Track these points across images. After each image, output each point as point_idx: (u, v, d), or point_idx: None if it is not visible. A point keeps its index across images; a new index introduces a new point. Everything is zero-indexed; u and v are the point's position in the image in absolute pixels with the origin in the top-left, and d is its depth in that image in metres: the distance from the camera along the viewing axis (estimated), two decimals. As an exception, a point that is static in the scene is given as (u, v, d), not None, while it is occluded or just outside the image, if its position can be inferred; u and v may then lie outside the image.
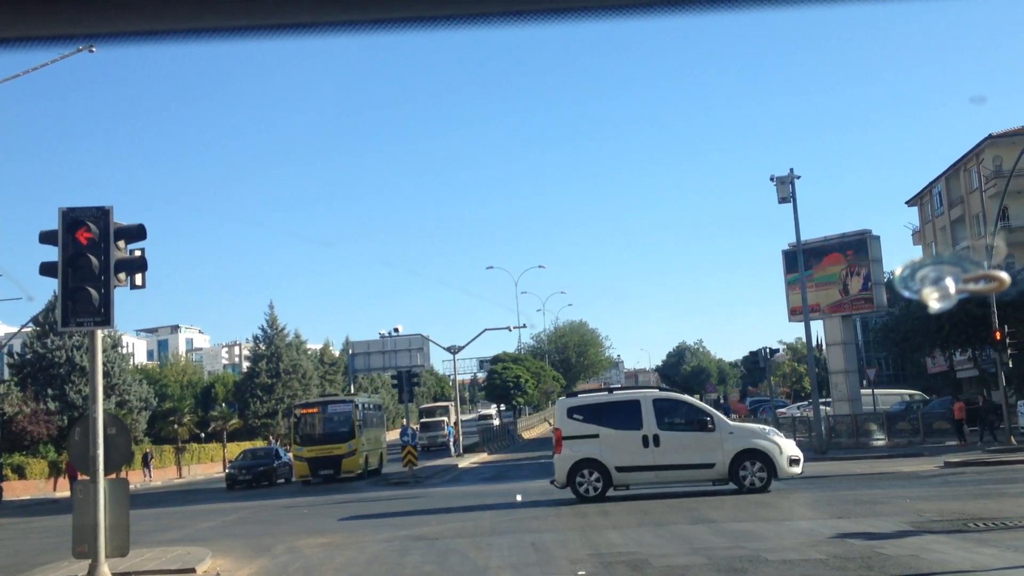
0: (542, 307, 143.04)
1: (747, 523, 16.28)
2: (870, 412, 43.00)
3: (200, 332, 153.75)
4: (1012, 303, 43.13)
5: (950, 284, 1.50)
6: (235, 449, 60.95)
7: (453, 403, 66.97)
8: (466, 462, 47.69)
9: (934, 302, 1.52)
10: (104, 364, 42.38)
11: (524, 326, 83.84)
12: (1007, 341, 31.04)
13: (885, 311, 49.48)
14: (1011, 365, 31.77)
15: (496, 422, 68.80)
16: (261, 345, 74.71)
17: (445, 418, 67.04)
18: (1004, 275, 1.52)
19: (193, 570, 14.75)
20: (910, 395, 51.80)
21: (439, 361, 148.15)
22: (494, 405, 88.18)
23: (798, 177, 37.60)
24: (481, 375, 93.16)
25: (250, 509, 28.34)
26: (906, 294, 1.54)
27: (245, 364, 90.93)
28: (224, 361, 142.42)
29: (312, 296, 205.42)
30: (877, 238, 45.09)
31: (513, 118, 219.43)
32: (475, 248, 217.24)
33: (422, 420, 67.88)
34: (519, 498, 24.16)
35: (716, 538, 14.67)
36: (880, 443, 38.14)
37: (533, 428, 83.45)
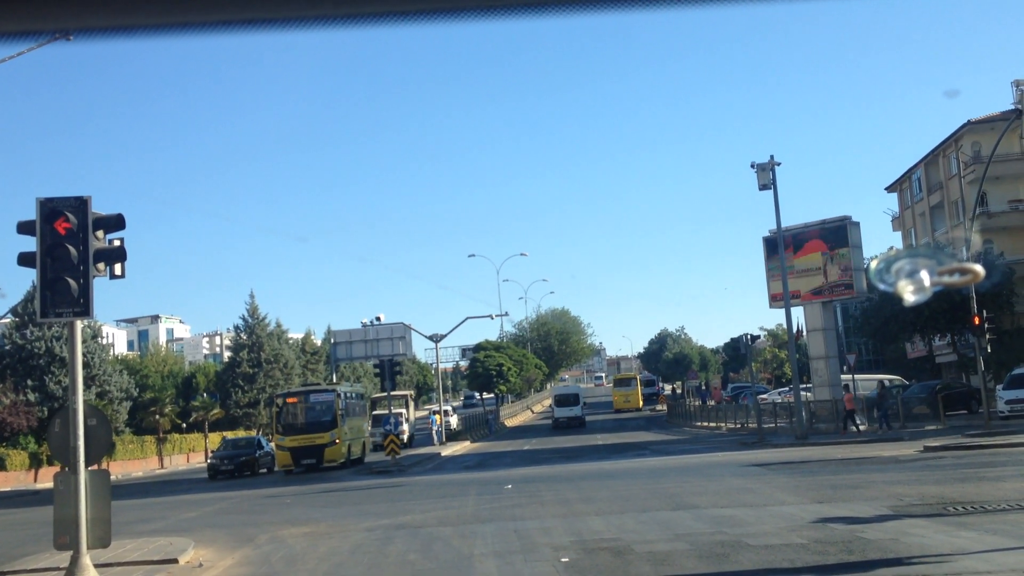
0: (524, 295, 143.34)
1: (729, 509, 16.38)
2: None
3: (181, 322, 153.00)
4: (990, 288, 43.53)
5: (925, 277, 1.51)
6: (217, 439, 60.78)
7: (410, 393, 64.70)
8: (449, 450, 47.76)
9: (909, 295, 1.53)
10: (84, 355, 42.23)
11: (506, 314, 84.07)
12: (985, 326, 31.27)
13: (865, 297, 49.76)
14: (989, 350, 32.00)
15: (453, 421, 61.82)
16: (242, 335, 74.38)
17: (403, 411, 57.15)
18: (978, 268, 1.53)
19: (175, 560, 14.72)
20: (890, 380, 52.14)
21: (422, 349, 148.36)
22: (451, 405, 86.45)
23: (778, 164, 37.70)
24: (463, 363, 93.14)
25: (232, 499, 28.29)
26: (881, 287, 1.56)
27: (226, 354, 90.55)
28: (205, 351, 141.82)
29: (293, 286, 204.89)
30: (857, 224, 45.29)
31: (494, 107, 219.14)
32: (457, 236, 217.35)
33: (374, 413, 54.53)
34: (508, 487, 24.21)
35: (698, 524, 14.76)
36: (861, 428, 38.37)
37: (516, 416, 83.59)
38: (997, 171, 47.06)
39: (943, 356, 56.58)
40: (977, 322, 31.31)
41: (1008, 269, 47.59)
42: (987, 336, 31.33)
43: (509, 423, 75.62)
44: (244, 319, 74.36)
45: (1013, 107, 49.40)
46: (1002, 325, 41.26)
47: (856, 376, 47.78)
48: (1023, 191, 54.20)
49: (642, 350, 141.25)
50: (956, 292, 40.16)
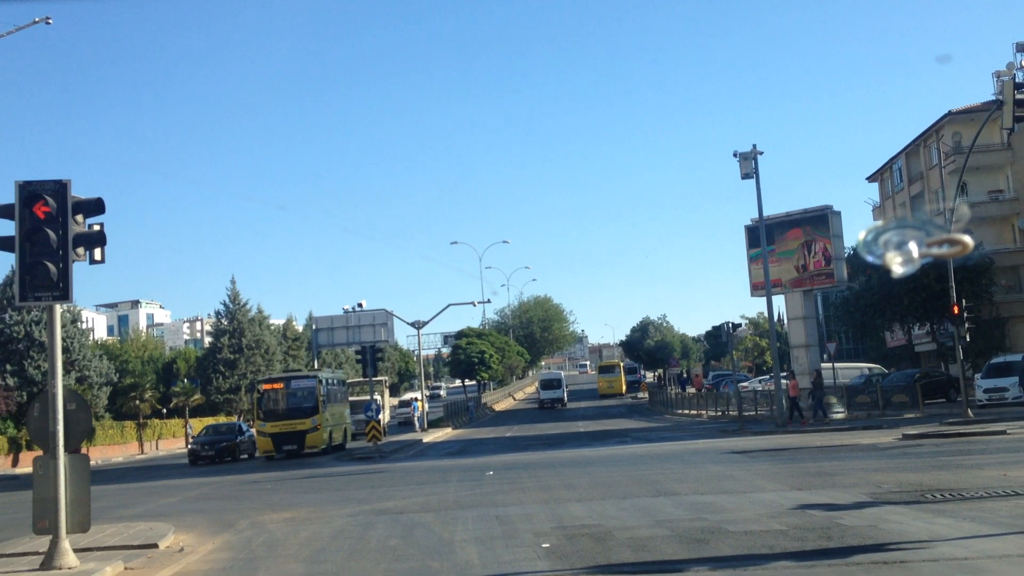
0: (506, 282, 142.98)
1: (709, 495, 16.46)
2: (830, 385, 43.51)
3: (161, 307, 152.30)
4: (970, 278, 43.85)
5: (913, 248, 1.50)
6: (198, 425, 60.57)
7: (385, 377, 63.79)
8: (430, 437, 47.75)
9: (897, 266, 1.52)
10: (63, 339, 41.83)
11: (488, 301, 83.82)
12: (964, 315, 31.49)
13: (845, 286, 50.04)
14: (968, 339, 32.24)
15: (418, 409, 59.28)
16: (223, 320, 74.13)
17: (377, 398, 46.82)
18: (967, 239, 1.53)
19: (155, 545, 14.67)
20: (869, 368, 52.47)
21: (403, 336, 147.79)
22: (414, 394, 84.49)
23: (761, 153, 37.76)
24: (446, 350, 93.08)
25: (213, 485, 28.21)
26: (870, 258, 1.55)
27: (207, 339, 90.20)
28: (186, 336, 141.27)
29: (275, 270, 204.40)
30: (838, 213, 45.53)
31: (478, 94, 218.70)
32: (439, 224, 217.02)
33: (351, 399, 48.96)
34: (490, 473, 24.24)
35: (678, 510, 14.82)
36: (840, 416, 38.63)
37: (499, 403, 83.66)
38: (977, 161, 47.31)
39: (922, 345, 56.96)
40: (956, 311, 31.52)
41: (987, 259, 47.95)
42: (966, 325, 31.55)
43: (491, 410, 75.67)
44: (225, 304, 74.10)
45: (994, 97, 49.64)
46: (981, 314, 41.64)
47: (836, 364, 48.13)
48: (1003, 181, 54.53)
49: (624, 338, 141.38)
50: (936, 282, 40.44)
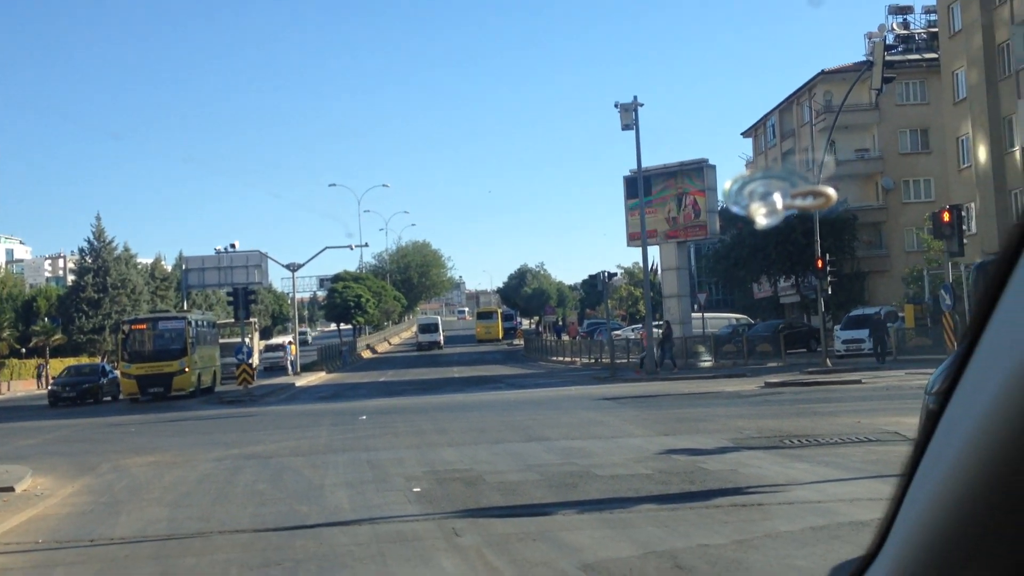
0: (385, 226, 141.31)
1: (579, 440, 16.74)
2: (699, 335, 44.76)
3: (21, 243, 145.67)
4: (834, 233, 45.50)
5: (778, 199, 1.47)
6: (58, 365, 58.37)
7: (254, 319, 61.71)
8: (303, 381, 47.22)
9: (761, 217, 1.49)
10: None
11: (366, 245, 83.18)
12: (827, 269, 32.65)
13: (717, 238, 51.29)
14: (830, 292, 33.47)
15: (291, 352, 56.85)
16: (87, 258, 71.40)
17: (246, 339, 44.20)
18: (831, 191, 1.50)
19: (11, 489, 14.10)
20: (737, 319, 54.12)
21: (278, 279, 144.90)
22: (284, 338, 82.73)
23: (642, 105, 38.06)
24: (321, 293, 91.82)
25: (74, 427, 27.28)
26: (735, 209, 1.51)
27: (70, 278, 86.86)
28: (47, 274, 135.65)
29: (143, 209, 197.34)
30: (713, 167, 46.47)
31: (361, 42, 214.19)
32: (318, 164, 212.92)
33: (222, 341, 47.87)
34: (363, 418, 24.11)
35: (549, 455, 15.02)
36: (707, 364, 39.81)
37: (376, 346, 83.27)
38: (847, 120, 48.83)
39: (787, 297, 59.02)
40: (820, 265, 32.64)
41: (851, 215, 49.81)
42: (828, 279, 32.73)
43: (366, 355, 75.34)
44: (89, 242, 71.38)
45: (865, 59, 51.28)
46: (843, 269, 43.27)
47: (706, 314, 49.49)
48: (869, 140, 56.55)
49: (501, 285, 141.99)
50: (802, 236, 41.82)
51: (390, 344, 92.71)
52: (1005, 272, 1.08)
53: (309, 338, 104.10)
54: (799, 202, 1.47)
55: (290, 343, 58.93)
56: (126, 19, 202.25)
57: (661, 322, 43.03)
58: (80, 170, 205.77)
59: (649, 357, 38.00)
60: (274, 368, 55.91)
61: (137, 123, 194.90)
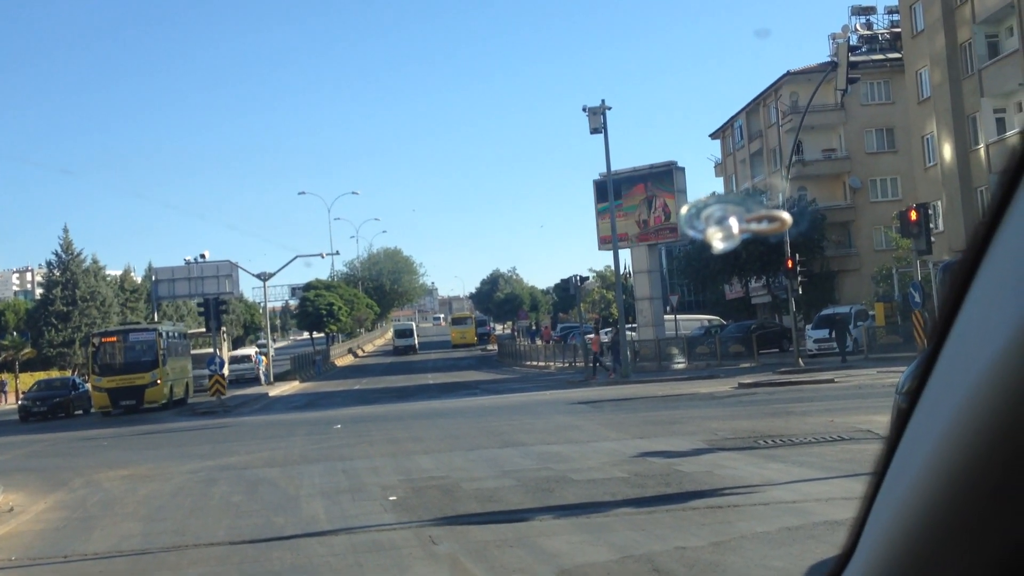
0: (356, 234, 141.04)
1: (555, 445, 16.75)
2: (672, 337, 44.92)
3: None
4: (803, 233, 45.84)
5: (734, 224, 1.50)
6: (28, 380, 57.70)
7: (224, 329, 60.66)
8: (277, 390, 46.95)
9: (718, 242, 1.52)
10: None
11: (337, 253, 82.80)
12: (798, 269, 32.88)
13: (688, 240, 51.52)
14: (801, 292, 33.72)
15: (262, 362, 56.10)
16: (55, 271, 70.71)
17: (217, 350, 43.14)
18: (785, 216, 1.53)
19: (-20, 508, 13.95)
20: (709, 320, 54.39)
21: (249, 288, 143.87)
22: (250, 349, 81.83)
23: (609, 108, 38.15)
24: (293, 302, 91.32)
25: (45, 442, 27.00)
26: (691, 234, 1.53)
27: (38, 291, 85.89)
28: (15, 288, 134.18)
29: (111, 221, 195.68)
30: (682, 169, 46.65)
31: (324, 47, 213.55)
32: (287, 173, 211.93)
33: (193, 352, 47.41)
34: (338, 427, 24.01)
35: (525, 460, 15.03)
36: (681, 366, 39.96)
37: (346, 356, 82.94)
38: (813, 121, 49.26)
39: (758, 297, 59.36)
40: (790, 265, 32.86)
41: (819, 215, 50.22)
42: (799, 279, 32.95)
43: (340, 362, 75.04)
44: (57, 255, 70.71)
45: (829, 59, 51.72)
46: (813, 268, 43.62)
47: (678, 316, 49.70)
48: (836, 140, 57.04)
49: (474, 290, 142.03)
50: (772, 236, 42.11)
51: (363, 352, 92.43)
52: (970, 271, 1.10)
53: (272, 350, 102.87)
54: (755, 226, 1.50)
55: (260, 353, 58.45)
56: (103, 18, 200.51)
57: (610, 329, 43.25)
58: (44, 181, 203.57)
59: (624, 359, 38.05)
60: (241, 381, 53.48)
61: (102, 142, 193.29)
